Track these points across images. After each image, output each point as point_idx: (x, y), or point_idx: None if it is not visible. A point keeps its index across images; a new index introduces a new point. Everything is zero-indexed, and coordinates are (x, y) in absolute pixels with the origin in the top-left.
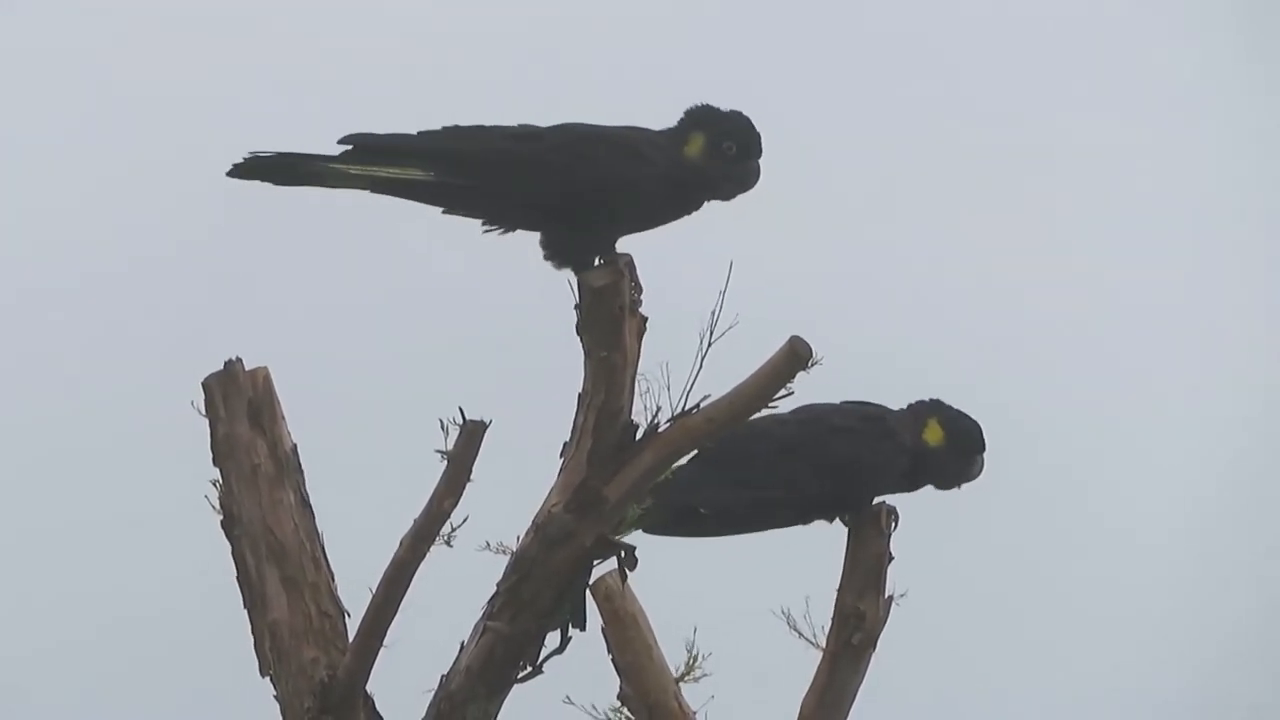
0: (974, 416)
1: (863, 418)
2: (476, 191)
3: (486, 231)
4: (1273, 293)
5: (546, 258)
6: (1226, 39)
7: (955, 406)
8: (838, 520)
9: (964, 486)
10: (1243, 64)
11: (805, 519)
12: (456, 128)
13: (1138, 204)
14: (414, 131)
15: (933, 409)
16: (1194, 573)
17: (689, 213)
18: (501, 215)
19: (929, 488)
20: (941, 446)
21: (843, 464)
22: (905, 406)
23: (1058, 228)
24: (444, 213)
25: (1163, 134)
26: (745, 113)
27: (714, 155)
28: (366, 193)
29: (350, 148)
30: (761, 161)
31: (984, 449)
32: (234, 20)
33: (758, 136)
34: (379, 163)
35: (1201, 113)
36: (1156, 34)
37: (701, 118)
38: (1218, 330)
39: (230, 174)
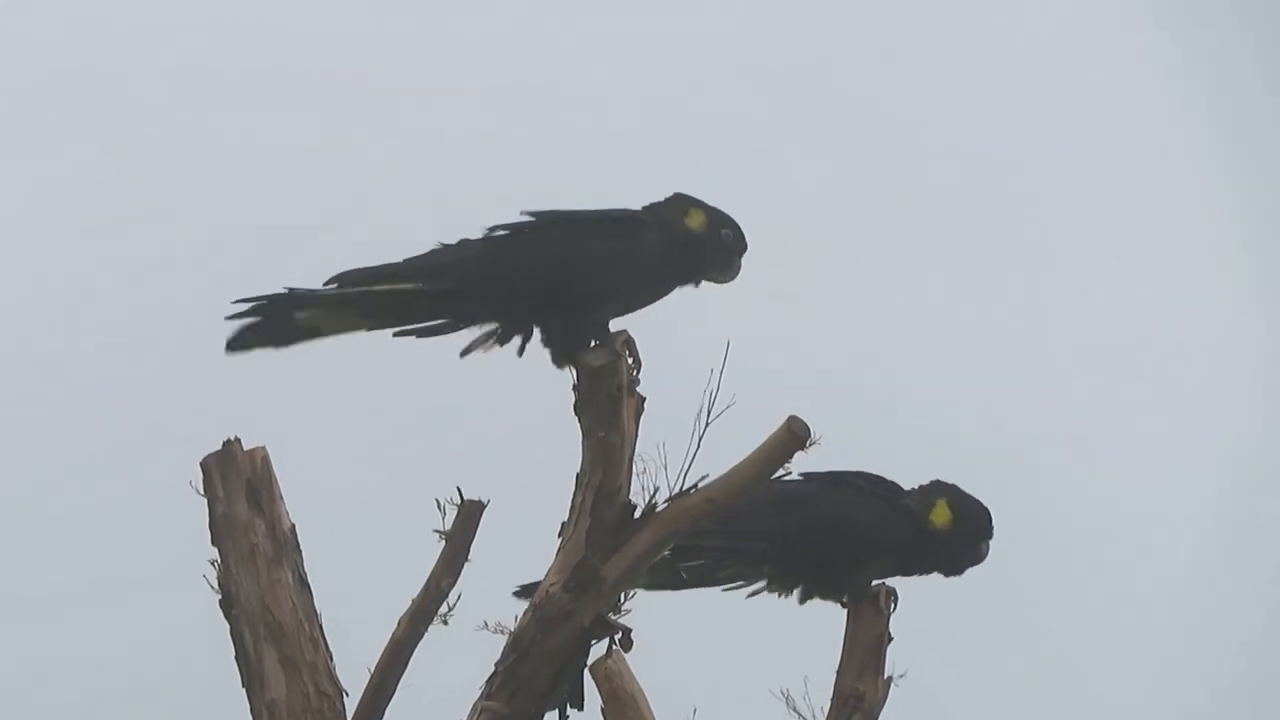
0: (982, 501)
1: (870, 479)
2: (471, 296)
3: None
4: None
5: (545, 345)
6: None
7: (964, 490)
8: (837, 601)
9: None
10: (1249, 95)
11: (795, 581)
12: (436, 251)
13: (1137, 240)
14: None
15: (944, 490)
16: (1203, 644)
17: (682, 283)
18: (504, 319)
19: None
20: (948, 529)
21: (834, 520)
22: (917, 487)
23: (1056, 275)
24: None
25: (1163, 171)
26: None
27: (713, 235)
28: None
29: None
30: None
31: (992, 535)
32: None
33: (746, 237)
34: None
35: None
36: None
37: (698, 203)
38: (1228, 375)
39: (230, 349)
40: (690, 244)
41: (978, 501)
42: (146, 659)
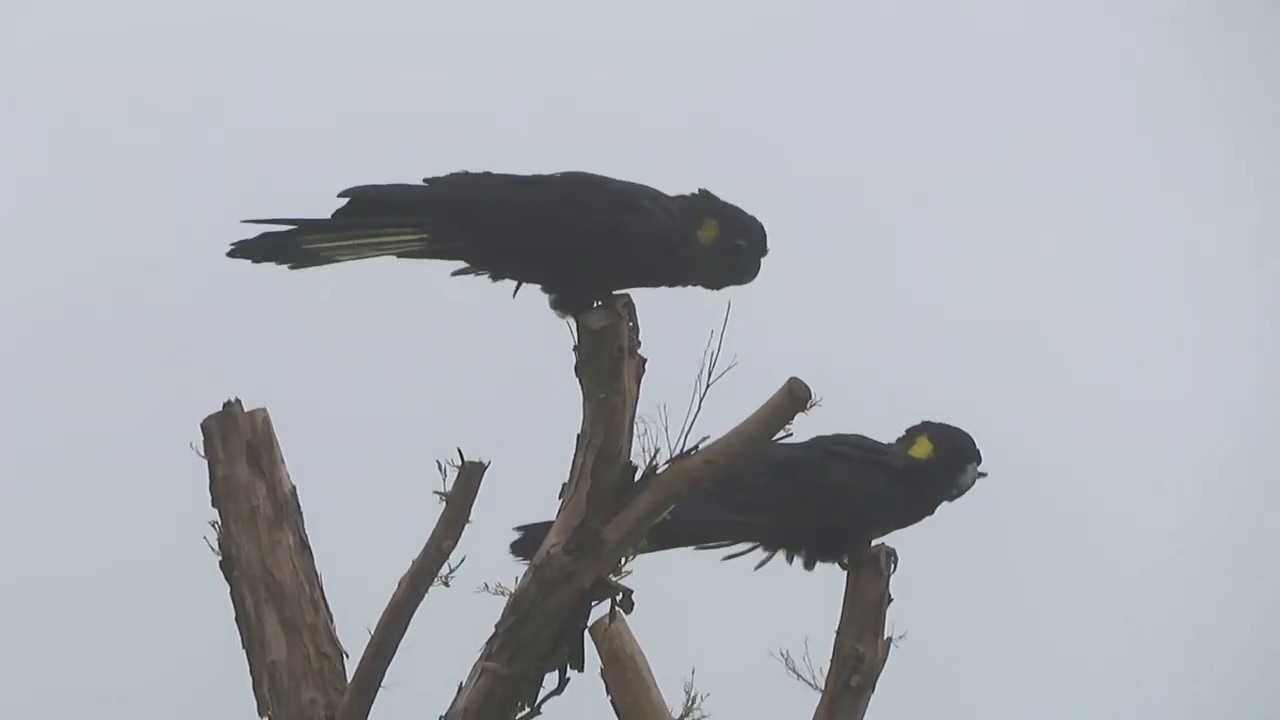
0: (965, 429)
1: (861, 446)
2: (474, 242)
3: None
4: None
5: (551, 304)
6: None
7: (944, 423)
8: (837, 562)
9: (959, 498)
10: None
11: (797, 547)
12: (459, 175)
13: (1134, 236)
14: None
15: (921, 428)
16: (1197, 610)
17: (680, 284)
18: (502, 266)
19: (924, 521)
20: (930, 459)
21: (834, 490)
22: (903, 433)
23: (1060, 264)
24: (453, 275)
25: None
26: (758, 218)
27: (724, 247)
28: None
29: (346, 201)
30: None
31: (976, 459)
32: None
33: (767, 241)
34: (376, 221)
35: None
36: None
37: (715, 211)
38: (1220, 362)
39: (232, 254)
40: (701, 257)
41: (957, 429)
42: (147, 623)
